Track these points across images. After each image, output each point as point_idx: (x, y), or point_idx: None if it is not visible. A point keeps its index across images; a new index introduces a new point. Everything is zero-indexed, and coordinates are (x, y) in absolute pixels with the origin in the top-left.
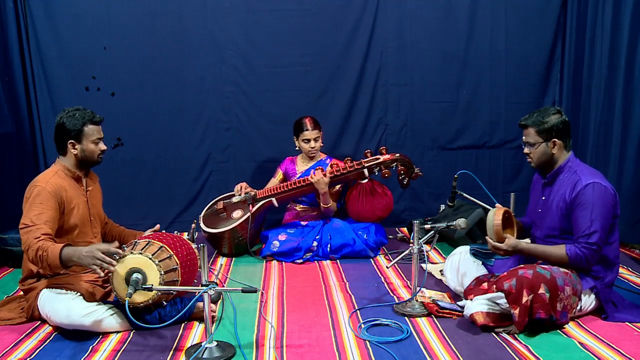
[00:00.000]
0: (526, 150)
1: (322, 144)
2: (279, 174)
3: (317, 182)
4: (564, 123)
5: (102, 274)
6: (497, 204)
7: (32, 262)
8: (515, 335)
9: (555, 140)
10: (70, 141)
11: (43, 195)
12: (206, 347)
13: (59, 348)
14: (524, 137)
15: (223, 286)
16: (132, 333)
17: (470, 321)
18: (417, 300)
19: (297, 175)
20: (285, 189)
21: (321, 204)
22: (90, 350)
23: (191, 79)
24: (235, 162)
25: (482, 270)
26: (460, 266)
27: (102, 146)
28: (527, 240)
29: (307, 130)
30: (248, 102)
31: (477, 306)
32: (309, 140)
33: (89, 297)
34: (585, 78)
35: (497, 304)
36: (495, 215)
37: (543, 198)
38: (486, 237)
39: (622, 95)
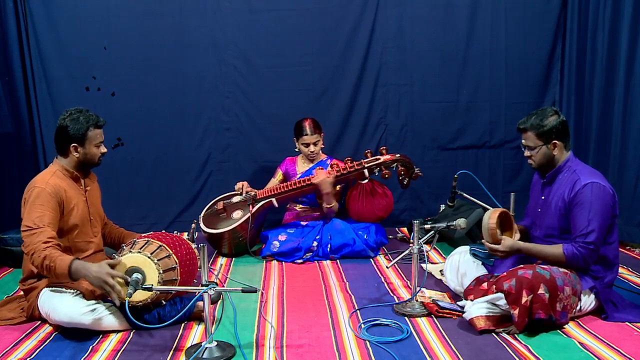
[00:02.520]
0: (527, 153)
1: (322, 146)
2: (279, 174)
3: (321, 182)
4: (562, 123)
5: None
6: (490, 209)
7: (37, 268)
8: (515, 335)
9: (556, 142)
10: (73, 144)
11: (43, 197)
12: (206, 347)
13: (59, 348)
14: (523, 141)
15: (223, 286)
16: (132, 333)
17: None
18: (417, 300)
19: (298, 176)
20: (286, 189)
21: (324, 204)
22: (90, 350)
23: (191, 79)
24: (235, 162)
25: (482, 270)
26: (460, 266)
27: (103, 149)
28: None
29: (306, 134)
30: (248, 102)
31: (476, 310)
32: (308, 145)
33: (89, 296)
34: (586, 78)
35: (497, 305)
36: (490, 218)
37: (542, 197)
38: (482, 240)
39: (623, 94)
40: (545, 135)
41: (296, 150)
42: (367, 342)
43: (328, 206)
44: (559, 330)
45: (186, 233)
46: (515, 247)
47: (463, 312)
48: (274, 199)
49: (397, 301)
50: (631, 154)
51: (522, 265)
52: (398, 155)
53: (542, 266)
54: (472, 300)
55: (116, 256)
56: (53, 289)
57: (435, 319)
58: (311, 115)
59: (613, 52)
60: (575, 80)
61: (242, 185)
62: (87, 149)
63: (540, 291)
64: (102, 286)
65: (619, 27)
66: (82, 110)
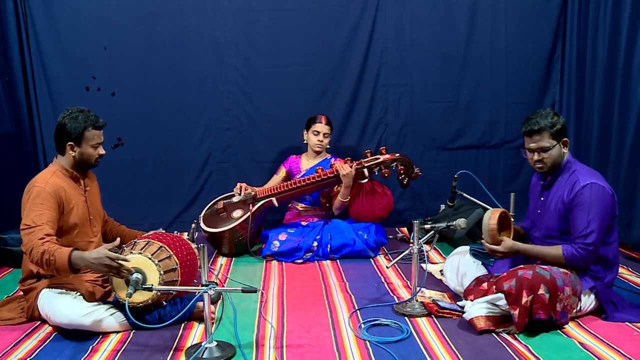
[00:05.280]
0: (537, 157)
1: (329, 146)
2: (282, 172)
3: (346, 175)
4: (564, 122)
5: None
6: (490, 209)
7: (36, 264)
8: (515, 335)
9: (566, 139)
10: (69, 143)
11: (43, 196)
12: (206, 347)
13: (59, 348)
14: (534, 144)
15: (223, 286)
16: (132, 333)
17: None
18: (417, 300)
19: (301, 173)
20: (286, 188)
21: (339, 197)
22: (90, 350)
23: (191, 79)
24: (235, 162)
25: (482, 271)
26: (460, 266)
27: (101, 151)
28: None
29: (319, 122)
30: (248, 102)
31: (476, 310)
32: (318, 133)
33: (89, 297)
34: (585, 78)
35: (497, 305)
36: (490, 219)
37: (542, 199)
38: (482, 241)
39: (620, 95)
40: (559, 134)
41: (304, 142)
42: (367, 342)
43: (344, 200)
44: (559, 330)
45: (186, 233)
46: (515, 248)
47: (463, 312)
48: (273, 199)
49: (397, 301)
50: (626, 153)
51: (522, 266)
52: (398, 154)
53: (542, 266)
54: (472, 300)
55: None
56: (53, 290)
57: (435, 319)
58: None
59: (613, 52)
60: (575, 80)
61: (241, 187)
62: (83, 148)
63: (541, 291)
64: (105, 265)
65: (618, 27)
66: (83, 110)
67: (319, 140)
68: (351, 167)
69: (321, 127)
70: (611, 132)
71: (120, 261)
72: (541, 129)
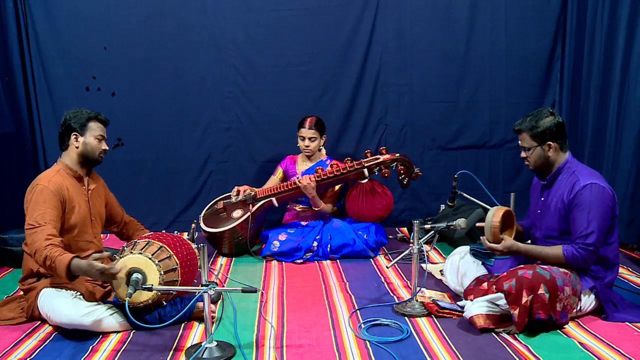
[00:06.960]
0: (523, 154)
1: (320, 147)
2: (279, 172)
3: (305, 187)
4: (557, 125)
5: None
6: (492, 207)
7: (41, 267)
8: (515, 335)
9: (550, 143)
10: (74, 133)
11: (45, 194)
12: (206, 347)
13: (59, 348)
14: (519, 142)
15: (223, 286)
16: (132, 333)
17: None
18: (417, 300)
19: (297, 175)
20: (285, 188)
21: (313, 206)
22: (90, 350)
23: (191, 79)
24: (235, 162)
25: (482, 271)
26: (460, 266)
27: (104, 145)
28: (528, 241)
29: (303, 127)
30: (248, 102)
31: (476, 308)
32: (303, 138)
33: (89, 297)
34: (585, 78)
35: (497, 305)
36: (494, 216)
37: (542, 199)
38: (482, 238)
39: (618, 95)
40: (540, 136)
41: (297, 145)
42: (367, 342)
43: (316, 209)
44: (559, 330)
45: (186, 233)
46: (514, 247)
47: (463, 312)
48: (273, 199)
49: (397, 301)
50: (624, 153)
51: (522, 266)
52: (398, 154)
53: (542, 266)
54: (472, 300)
55: (117, 257)
56: (53, 289)
57: (435, 319)
58: (313, 114)
59: (610, 52)
60: (575, 81)
61: (238, 191)
62: (86, 138)
63: (541, 291)
64: (99, 275)
65: (616, 27)
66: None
67: (305, 145)
68: (311, 178)
69: (305, 131)
70: (610, 132)
71: (112, 266)
72: (521, 130)
